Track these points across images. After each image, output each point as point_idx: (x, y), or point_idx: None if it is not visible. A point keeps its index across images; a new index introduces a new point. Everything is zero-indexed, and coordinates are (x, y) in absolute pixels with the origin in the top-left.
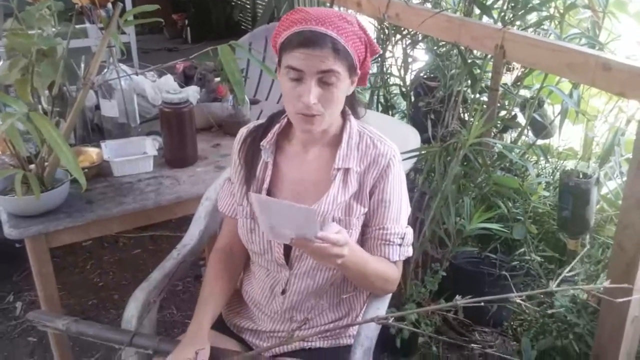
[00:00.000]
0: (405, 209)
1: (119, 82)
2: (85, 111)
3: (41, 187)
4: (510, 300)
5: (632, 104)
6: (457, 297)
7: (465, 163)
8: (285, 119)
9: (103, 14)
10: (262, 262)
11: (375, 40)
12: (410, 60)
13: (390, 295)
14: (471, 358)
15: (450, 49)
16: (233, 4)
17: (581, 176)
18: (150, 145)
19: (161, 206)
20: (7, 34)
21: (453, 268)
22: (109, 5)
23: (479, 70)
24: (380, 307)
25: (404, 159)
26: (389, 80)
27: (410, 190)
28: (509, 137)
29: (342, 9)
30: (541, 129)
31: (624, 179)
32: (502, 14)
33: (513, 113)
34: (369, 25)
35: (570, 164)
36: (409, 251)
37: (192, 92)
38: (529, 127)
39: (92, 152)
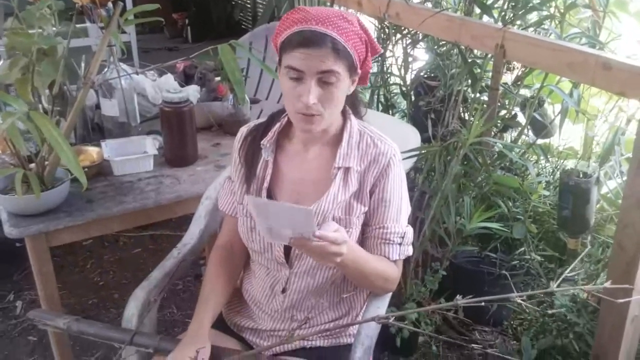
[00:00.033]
0: (406, 208)
1: (119, 82)
2: (86, 110)
3: (41, 186)
4: (510, 300)
5: (633, 104)
6: (458, 296)
7: (465, 162)
8: (286, 118)
9: (103, 13)
10: (263, 260)
11: (375, 40)
12: (410, 59)
13: (390, 294)
14: (471, 357)
15: (450, 48)
16: (233, 3)
17: (581, 175)
18: (151, 145)
19: (161, 205)
20: (7, 33)
21: (453, 267)
22: (110, 4)
23: (479, 70)
24: (381, 306)
25: (404, 158)
26: (389, 79)
27: (411, 189)
28: (509, 136)
29: (342, 8)
30: (541, 128)
31: (624, 178)
32: (503, 13)
33: (513, 112)
34: (370, 24)
35: (570, 164)
36: (409, 250)
37: (193, 92)
38: (529, 127)
39: (92, 151)
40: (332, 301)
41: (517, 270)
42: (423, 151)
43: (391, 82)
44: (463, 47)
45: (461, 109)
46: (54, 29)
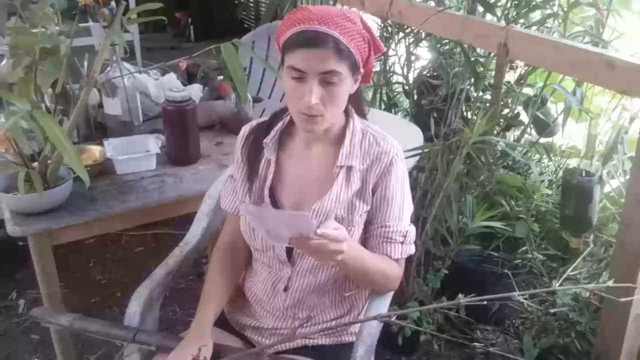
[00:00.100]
0: (408, 207)
1: (122, 80)
2: (89, 109)
3: (44, 184)
4: (512, 299)
5: (636, 102)
6: (460, 295)
7: (467, 161)
8: (288, 117)
9: (106, 12)
10: (265, 259)
11: (378, 38)
12: (413, 58)
13: (392, 293)
14: (473, 356)
15: (453, 47)
16: (236, 2)
17: (584, 174)
18: (153, 143)
19: (164, 204)
20: (10, 33)
21: (455, 266)
22: (113, 3)
23: (482, 69)
24: (382, 305)
25: (406, 157)
26: (391, 78)
27: (413, 188)
28: (511, 135)
29: (345, 7)
30: (544, 127)
31: (627, 177)
32: (506, 11)
33: (516, 111)
34: (372, 23)
35: (573, 162)
36: (411, 249)
37: (195, 91)
38: (532, 125)
39: (95, 150)
40: (334, 300)
41: (519, 269)
42: (425, 150)
43: (394, 81)
44: (466, 46)
45: (464, 107)
46: (57, 28)
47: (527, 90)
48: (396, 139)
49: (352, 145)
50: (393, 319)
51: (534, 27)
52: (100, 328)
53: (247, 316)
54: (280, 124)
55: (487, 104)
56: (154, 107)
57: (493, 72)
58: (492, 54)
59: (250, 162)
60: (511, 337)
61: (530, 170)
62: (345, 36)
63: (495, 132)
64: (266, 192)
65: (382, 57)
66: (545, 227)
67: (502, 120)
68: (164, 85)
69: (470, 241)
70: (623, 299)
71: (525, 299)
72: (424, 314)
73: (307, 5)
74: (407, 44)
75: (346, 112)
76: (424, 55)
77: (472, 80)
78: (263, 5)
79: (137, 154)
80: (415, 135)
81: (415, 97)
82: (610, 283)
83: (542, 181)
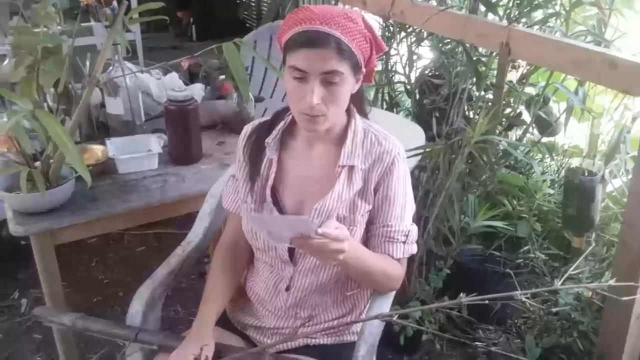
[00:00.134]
0: (410, 207)
1: (124, 80)
2: (91, 109)
3: (46, 184)
4: (514, 298)
5: (638, 102)
6: (461, 294)
7: (470, 161)
8: (290, 117)
9: (108, 11)
10: (267, 258)
11: (380, 38)
12: (415, 57)
13: (394, 292)
14: (475, 356)
15: (455, 46)
16: (238, 1)
17: (586, 174)
18: (155, 143)
19: (166, 203)
20: (13, 32)
21: (457, 266)
22: (114, 3)
23: (484, 68)
24: (384, 305)
25: (408, 157)
26: (393, 77)
27: (415, 187)
28: (514, 134)
29: (347, 6)
30: (546, 126)
31: (630, 176)
32: (508, 11)
33: (518, 111)
34: (374, 22)
35: (575, 162)
36: (413, 249)
37: (197, 90)
38: (534, 125)
39: (97, 149)
40: (336, 299)
41: (521, 268)
42: (427, 149)
43: (396, 81)
44: (468, 45)
45: (466, 107)
46: (59, 27)
47: (529, 90)
48: (398, 138)
49: (354, 144)
50: (395, 318)
51: (536, 27)
52: (102, 327)
53: (249, 315)
54: (282, 123)
55: (489, 104)
56: (156, 107)
57: (495, 72)
58: (494, 54)
59: (252, 161)
60: (513, 336)
61: (533, 170)
62: (347, 36)
63: (497, 131)
64: (268, 191)
65: (384, 56)
66: (548, 226)
67: (504, 119)
68: (166, 85)
69: (472, 241)
70: (625, 298)
71: (527, 298)
72: (426, 314)
73: (309, 5)
74: (409, 43)
75: (348, 112)
76: (426, 54)
77: (474, 79)
78: (265, 4)
79: (139, 153)
80: (417, 135)
81: (417, 96)
82: (612, 282)
83: (544, 181)
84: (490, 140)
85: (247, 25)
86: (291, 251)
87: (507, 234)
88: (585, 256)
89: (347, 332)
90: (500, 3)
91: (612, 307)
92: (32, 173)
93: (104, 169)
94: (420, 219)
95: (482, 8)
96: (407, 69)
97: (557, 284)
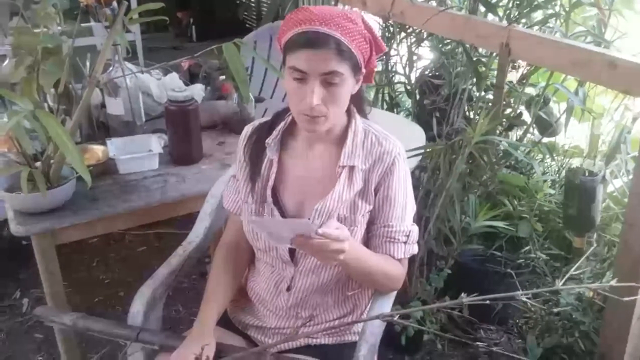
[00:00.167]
0: (411, 207)
1: (124, 80)
2: (91, 109)
3: (47, 184)
4: (515, 298)
5: (638, 102)
6: (463, 294)
7: (470, 161)
8: (290, 117)
9: (108, 12)
10: (267, 259)
11: (380, 38)
12: (415, 58)
13: (395, 292)
14: (476, 356)
15: (455, 46)
16: (238, 2)
17: (587, 174)
18: (156, 143)
19: (166, 203)
20: (13, 33)
21: (458, 266)
22: (114, 3)
23: (484, 68)
24: (385, 305)
25: (409, 157)
26: (394, 78)
27: (415, 188)
28: (514, 135)
29: (347, 7)
30: (547, 126)
31: (630, 176)
32: (508, 11)
33: (518, 111)
34: (374, 23)
35: (576, 162)
36: (414, 249)
37: (197, 90)
38: (534, 125)
39: (97, 149)
40: (337, 299)
41: (522, 268)
42: (428, 150)
43: (396, 81)
44: (468, 46)
45: (466, 107)
46: (59, 28)
47: (530, 90)
48: (398, 138)
49: (355, 145)
50: (396, 318)
51: (536, 27)
52: (103, 327)
53: (250, 315)
54: (282, 124)
55: (490, 104)
56: (157, 107)
57: (495, 72)
58: (494, 54)
59: (252, 162)
60: (514, 336)
61: (533, 170)
62: (347, 37)
63: (497, 131)
64: (269, 192)
65: (384, 57)
66: (548, 226)
67: (504, 120)
68: (166, 85)
69: (473, 241)
70: (626, 299)
71: (528, 298)
72: (427, 314)
73: (309, 6)
74: (409, 43)
75: (348, 112)
76: (426, 55)
77: (474, 80)
78: (264, 5)
79: (139, 153)
80: (417, 135)
81: (418, 97)
82: (613, 282)
83: (545, 181)
84: (491, 140)
85: (247, 25)
86: (292, 251)
87: (508, 234)
88: (587, 256)
89: (348, 332)
90: (500, 4)
91: (614, 308)
92: (32, 173)
93: (105, 169)
94: (421, 219)
95: (482, 9)
96: (407, 69)
97: (559, 284)
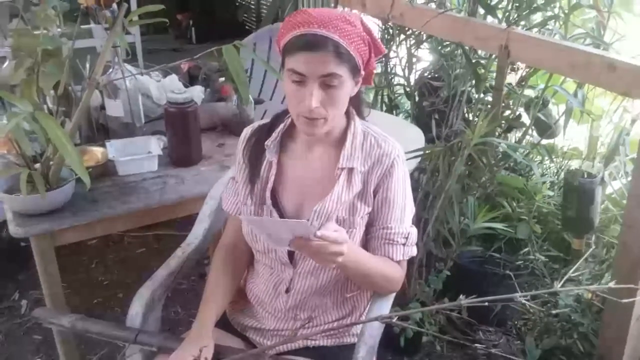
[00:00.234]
0: (410, 209)
1: (124, 82)
2: (91, 111)
3: (46, 186)
4: (514, 300)
5: (637, 104)
6: (461, 296)
7: (469, 163)
8: (290, 119)
9: (108, 14)
10: (266, 260)
11: (379, 40)
12: (414, 60)
13: (394, 294)
14: (475, 357)
15: (454, 48)
16: (237, 4)
17: (586, 176)
18: (155, 145)
19: (165, 205)
20: (13, 34)
21: (457, 267)
22: (114, 5)
23: (483, 70)
24: (384, 306)
25: (408, 159)
26: (393, 80)
27: (414, 189)
28: (513, 136)
29: (346, 9)
30: (546, 128)
31: (629, 178)
32: (507, 14)
33: (517, 113)
34: (374, 25)
35: (574, 164)
36: (412, 251)
37: (197, 92)
38: (533, 127)
39: (97, 151)
40: (336, 301)
41: (521, 270)
42: (427, 151)
43: (395, 83)
44: (467, 48)
45: (465, 109)
46: (59, 30)
47: (529, 92)
48: (397, 140)
49: (354, 147)
50: (395, 320)
51: (535, 29)
52: (102, 329)
53: (249, 317)
54: (281, 125)
55: (489, 106)
56: (156, 109)
57: (494, 74)
58: (493, 56)
59: (251, 164)
60: (513, 338)
61: (532, 172)
62: (345, 39)
63: (496, 133)
64: (268, 194)
65: (384, 59)
66: (547, 228)
67: (503, 121)
68: (165, 87)
69: (472, 242)
70: (625, 300)
71: (527, 300)
72: (426, 315)
73: (307, 9)
74: (408, 45)
75: (347, 114)
76: (425, 57)
77: (474, 82)
78: (264, 7)
79: (139, 155)
80: (416, 137)
81: (417, 98)
82: (612, 284)
83: (544, 183)
84: (490, 142)
85: (247, 27)
86: (291, 253)
87: (506, 235)
88: (585, 258)
89: (347, 333)
90: (499, 6)
91: (613, 309)
92: (32, 175)
93: (104, 171)
94: (420, 220)
95: (481, 11)
96: (406, 71)
97: (557, 285)
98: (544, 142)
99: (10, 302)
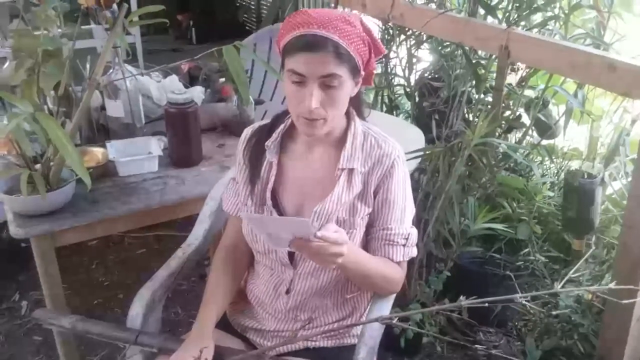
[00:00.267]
0: (410, 210)
1: (124, 83)
2: (91, 111)
3: (47, 186)
4: (514, 301)
5: (637, 104)
6: (462, 297)
7: (469, 163)
8: (290, 120)
9: (108, 14)
10: (267, 261)
11: (379, 41)
12: (414, 60)
13: (394, 295)
14: (475, 358)
15: (454, 49)
16: (238, 4)
17: (586, 176)
18: (156, 146)
19: (166, 206)
20: (13, 35)
21: (457, 268)
22: (115, 6)
23: (483, 71)
24: (385, 307)
25: (408, 159)
26: (393, 80)
27: (415, 190)
28: (513, 137)
29: (346, 9)
30: (546, 129)
31: (629, 179)
32: (507, 14)
33: (518, 113)
34: (374, 25)
35: (575, 164)
36: (413, 252)
37: (197, 93)
38: (533, 127)
39: (97, 152)
40: (336, 302)
41: (521, 271)
42: (427, 152)
43: (395, 83)
44: (467, 48)
45: (465, 109)
46: (60, 30)
47: (529, 93)
48: (398, 141)
49: (354, 147)
50: (395, 321)
51: (535, 30)
52: (102, 330)
53: (249, 318)
54: (281, 126)
55: (489, 106)
56: (156, 109)
57: (494, 75)
58: (494, 56)
59: (252, 164)
60: (513, 339)
61: (532, 172)
62: (345, 39)
63: (496, 134)
64: (268, 194)
65: (384, 59)
66: (548, 229)
67: (503, 122)
68: (166, 88)
69: (472, 243)
70: (625, 301)
71: (527, 301)
72: (426, 316)
73: (307, 9)
74: (408, 46)
75: (347, 115)
76: (425, 57)
77: (474, 82)
78: (264, 7)
79: (139, 156)
80: (416, 137)
81: (417, 99)
82: (612, 285)
83: (544, 183)
84: (490, 142)
85: (247, 28)
86: (291, 254)
87: (507, 236)
88: (586, 259)
89: (347, 334)
90: (500, 6)
91: (613, 310)
92: (32, 175)
93: (105, 172)
94: (420, 221)
95: (482, 11)
96: (406, 71)
97: (558, 286)
98: (544, 142)
99: (11, 303)
